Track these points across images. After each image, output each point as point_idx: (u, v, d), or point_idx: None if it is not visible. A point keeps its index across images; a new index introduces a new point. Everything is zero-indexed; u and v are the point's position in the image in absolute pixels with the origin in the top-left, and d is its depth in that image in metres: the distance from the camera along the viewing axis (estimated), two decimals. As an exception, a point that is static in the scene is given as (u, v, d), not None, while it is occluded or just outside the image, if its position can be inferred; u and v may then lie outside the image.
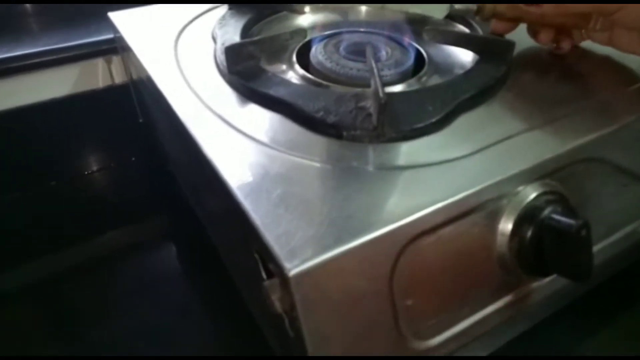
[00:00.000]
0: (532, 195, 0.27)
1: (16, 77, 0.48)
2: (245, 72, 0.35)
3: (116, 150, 0.56)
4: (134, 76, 0.49)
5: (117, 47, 0.50)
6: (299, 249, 0.22)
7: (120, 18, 0.46)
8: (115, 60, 0.51)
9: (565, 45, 0.37)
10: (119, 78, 0.52)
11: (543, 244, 0.27)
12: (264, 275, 0.25)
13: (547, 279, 0.30)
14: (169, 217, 0.52)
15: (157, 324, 0.40)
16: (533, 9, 0.34)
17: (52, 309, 0.43)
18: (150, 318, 0.41)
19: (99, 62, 0.51)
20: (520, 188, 0.27)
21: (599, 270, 0.34)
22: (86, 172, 0.56)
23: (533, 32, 0.37)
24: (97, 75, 0.51)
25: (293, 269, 0.21)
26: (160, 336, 0.39)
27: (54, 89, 0.50)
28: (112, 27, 0.46)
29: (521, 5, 0.35)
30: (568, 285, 0.31)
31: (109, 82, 0.52)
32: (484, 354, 0.31)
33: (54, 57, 0.49)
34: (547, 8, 0.33)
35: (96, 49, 0.50)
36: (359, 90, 0.33)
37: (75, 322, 0.41)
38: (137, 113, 0.54)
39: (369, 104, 0.31)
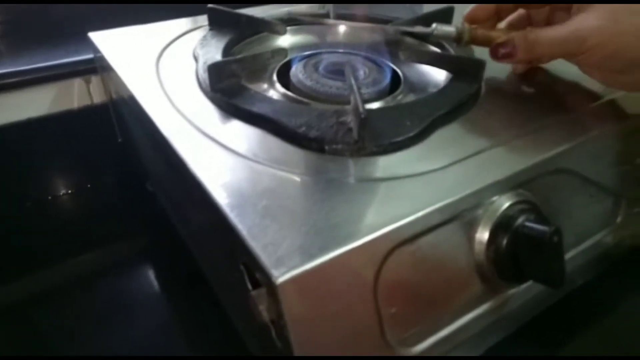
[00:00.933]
0: (506, 205, 0.29)
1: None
2: (227, 89, 0.35)
3: (95, 170, 0.56)
4: (114, 96, 0.49)
5: (96, 67, 0.50)
6: (285, 257, 0.23)
7: (101, 38, 0.46)
8: (94, 80, 0.51)
9: (520, 67, 0.40)
10: (97, 98, 0.52)
11: (518, 251, 0.28)
12: (249, 286, 0.25)
13: (524, 286, 0.31)
14: (148, 236, 0.52)
15: (138, 343, 0.40)
16: (508, 58, 0.36)
17: (27, 331, 0.41)
18: (131, 337, 0.40)
19: (78, 82, 0.51)
20: (494, 198, 0.29)
21: (570, 278, 0.35)
22: (63, 193, 0.55)
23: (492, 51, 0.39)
24: (75, 95, 0.51)
25: (280, 276, 0.22)
26: (143, 353, 0.39)
27: (31, 109, 0.50)
28: (92, 47, 0.47)
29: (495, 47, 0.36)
30: (544, 292, 0.33)
31: (87, 102, 0.52)
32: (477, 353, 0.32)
33: (32, 76, 0.48)
34: (521, 55, 0.35)
35: (75, 69, 0.50)
36: (339, 107, 0.34)
37: (50, 344, 0.40)
38: (115, 133, 0.54)
39: (350, 120, 0.32)
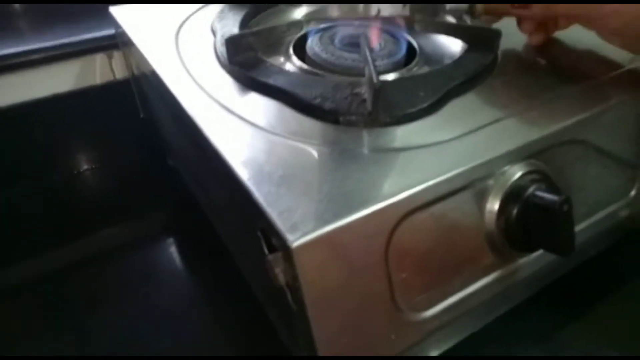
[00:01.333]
0: (518, 175, 0.29)
1: (17, 73, 0.49)
2: (245, 62, 0.36)
3: (118, 146, 0.57)
4: (136, 71, 0.50)
5: (117, 43, 0.51)
6: (300, 223, 0.24)
7: (122, 13, 0.47)
8: (116, 55, 0.53)
9: (536, 38, 0.39)
10: (119, 74, 0.54)
11: (528, 221, 0.29)
12: (266, 251, 0.27)
13: (534, 255, 0.32)
14: (170, 211, 0.53)
15: (162, 313, 0.41)
16: (522, 10, 0.36)
17: (53, 303, 0.43)
18: (155, 308, 0.42)
19: (100, 57, 0.52)
20: (506, 168, 0.29)
21: (581, 249, 0.36)
22: (88, 168, 0.57)
23: (517, 20, 0.39)
24: (98, 70, 0.53)
25: (295, 240, 0.23)
26: (167, 326, 0.40)
27: (56, 85, 0.51)
28: (113, 22, 0.48)
29: (509, 7, 0.37)
30: (553, 262, 0.33)
31: (110, 78, 0.53)
32: (473, 329, 0.33)
33: (56, 52, 0.50)
34: (536, 9, 0.35)
35: (98, 45, 0.51)
36: (353, 79, 0.35)
37: (76, 315, 0.42)
38: (137, 109, 0.55)
39: (364, 91, 0.32)
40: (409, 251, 0.27)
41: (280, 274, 0.25)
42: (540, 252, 0.31)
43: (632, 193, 0.36)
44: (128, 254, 0.48)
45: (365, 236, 0.25)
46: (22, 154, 0.53)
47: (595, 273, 0.40)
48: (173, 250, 0.50)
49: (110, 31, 0.51)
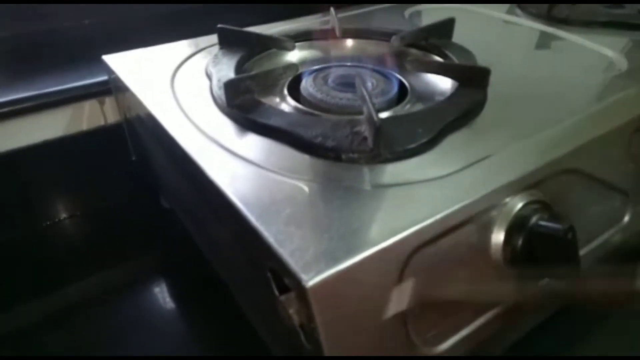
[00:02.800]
0: (519, 205, 0.30)
1: (9, 121, 0.49)
2: (243, 105, 0.37)
3: (109, 189, 0.57)
4: (129, 115, 0.50)
5: (110, 89, 0.51)
6: (313, 262, 0.24)
7: (115, 60, 0.48)
8: (107, 101, 0.53)
9: None
10: (110, 118, 0.54)
11: (534, 250, 0.29)
12: (276, 292, 0.26)
13: (541, 284, 0.32)
14: (164, 253, 0.53)
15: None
16: None
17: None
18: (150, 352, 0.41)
19: (91, 104, 0.52)
20: (507, 199, 0.30)
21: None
22: (78, 213, 0.56)
23: None
24: (89, 116, 0.53)
25: (310, 280, 0.23)
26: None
27: (47, 131, 0.51)
28: (106, 69, 0.48)
29: None
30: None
31: (101, 123, 0.53)
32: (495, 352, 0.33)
33: (48, 100, 0.50)
34: None
35: (89, 91, 0.51)
36: (350, 117, 0.35)
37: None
38: (129, 152, 0.55)
39: (364, 129, 0.33)
40: (420, 285, 0.26)
41: (294, 314, 0.24)
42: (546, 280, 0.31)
43: (626, 219, 0.37)
44: (121, 298, 0.47)
45: (378, 272, 0.25)
46: (12, 200, 0.52)
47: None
48: (168, 291, 0.49)
49: (102, 78, 0.51)
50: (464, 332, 0.29)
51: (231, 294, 0.39)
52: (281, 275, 0.25)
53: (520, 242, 0.29)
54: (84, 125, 0.53)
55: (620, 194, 0.36)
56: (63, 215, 0.56)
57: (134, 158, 0.54)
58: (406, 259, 0.26)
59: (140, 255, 0.52)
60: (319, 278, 0.23)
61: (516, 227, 0.29)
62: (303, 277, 0.23)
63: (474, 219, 0.28)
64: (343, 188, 0.29)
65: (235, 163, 0.32)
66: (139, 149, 0.53)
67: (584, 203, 0.35)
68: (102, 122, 0.53)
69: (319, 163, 0.32)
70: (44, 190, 0.54)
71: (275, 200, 0.28)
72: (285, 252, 0.24)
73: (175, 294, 0.48)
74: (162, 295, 0.48)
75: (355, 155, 0.31)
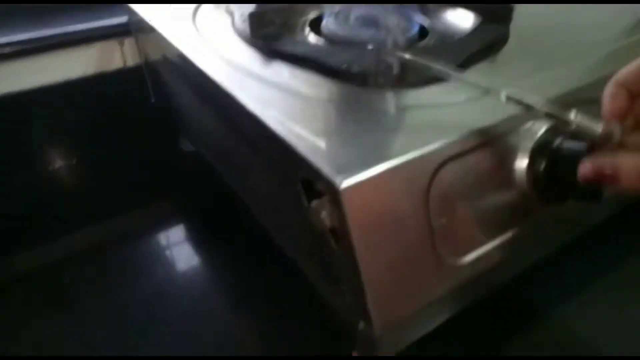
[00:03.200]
0: (543, 129, 0.30)
1: (31, 59, 0.49)
2: (267, 35, 0.37)
3: (127, 133, 0.57)
4: (150, 57, 0.51)
5: (129, 30, 0.52)
6: (345, 166, 0.24)
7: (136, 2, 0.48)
8: (127, 42, 0.53)
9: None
10: (130, 61, 0.54)
11: (558, 172, 0.30)
12: (305, 203, 0.27)
13: (564, 207, 0.33)
14: (185, 196, 0.54)
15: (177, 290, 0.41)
16: None
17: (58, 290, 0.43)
18: (170, 284, 0.42)
19: (112, 44, 0.52)
20: (530, 123, 0.30)
21: (604, 205, 0.37)
22: (96, 154, 0.57)
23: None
24: (109, 57, 0.53)
25: (343, 181, 0.24)
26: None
27: (68, 70, 0.51)
28: (127, 10, 0.48)
29: None
30: (581, 215, 0.34)
31: (120, 65, 0.54)
32: (503, 280, 0.34)
33: (67, 39, 0.50)
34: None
35: (111, 32, 0.51)
36: (376, 47, 0.36)
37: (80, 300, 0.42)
38: (148, 95, 0.55)
39: (389, 57, 0.33)
40: (447, 197, 0.27)
41: (326, 218, 0.25)
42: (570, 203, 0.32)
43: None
44: (140, 239, 0.48)
45: (408, 180, 0.26)
46: (30, 140, 0.53)
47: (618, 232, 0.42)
48: (184, 233, 0.50)
49: (122, 19, 0.51)
50: (487, 247, 0.30)
51: (258, 233, 0.41)
52: (313, 183, 0.26)
53: (544, 164, 0.30)
54: (105, 66, 0.53)
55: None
56: (77, 159, 0.56)
57: (153, 100, 0.55)
58: (434, 171, 0.26)
59: (159, 198, 0.53)
60: (352, 180, 0.24)
61: (540, 149, 0.30)
62: (337, 179, 0.24)
63: (499, 140, 0.29)
64: (371, 109, 0.30)
65: (263, 89, 0.32)
66: (159, 91, 0.53)
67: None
68: (121, 64, 0.54)
69: (346, 87, 0.32)
70: (58, 132, 0.54)
71: (305, 119, 0.29)
72: (317, 158, 0.25)
73: (195, 235, 0.49)
74: (180, 235, 0.50)
75: (382, 80, 0.32)
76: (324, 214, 0.25)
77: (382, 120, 0.28)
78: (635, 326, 0.38)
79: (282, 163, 0.29)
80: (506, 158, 0.30)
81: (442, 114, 0.29)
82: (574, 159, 0.29)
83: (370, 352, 0.31)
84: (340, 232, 0.25)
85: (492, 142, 0.29)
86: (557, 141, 0.30)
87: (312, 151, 0.26)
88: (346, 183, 0.24)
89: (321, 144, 0.26)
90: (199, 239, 0.49)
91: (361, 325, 0.28)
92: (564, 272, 0.41)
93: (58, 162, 0.55)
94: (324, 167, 0.25)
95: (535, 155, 0.30)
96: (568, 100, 0.32)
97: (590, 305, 0.39)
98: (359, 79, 0.32)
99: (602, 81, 0.33)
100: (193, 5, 0.47)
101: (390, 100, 0.31)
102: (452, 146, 0.27)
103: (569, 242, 0.36)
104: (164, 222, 0.50)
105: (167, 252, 0.48)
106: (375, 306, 0.27)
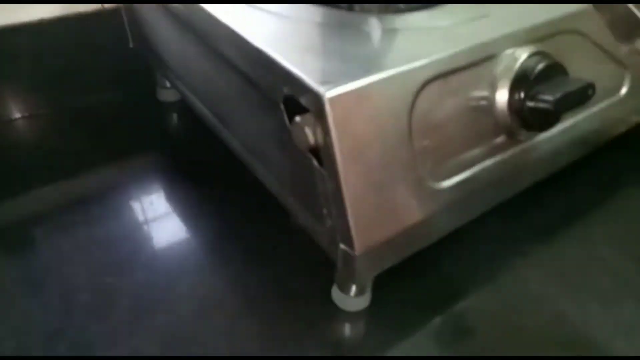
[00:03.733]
0: (524, 56, 0.30)
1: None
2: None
3: (103, 81, 0.56)
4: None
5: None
6: (331, 78, 0.24)
7: None
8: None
9: None
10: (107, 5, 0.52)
11: (538, 101, 0.30)
12: (287, 121, 0.27)
13: (543, 137, 0.33)
14: (162, 144, 0.52)
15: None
16: None
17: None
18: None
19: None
20: (512, 49, 0.30)
21: (581, 141, 0.38)
22: (76, 102, 0.55)
23: None
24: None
25: (327, 91, 0.23)
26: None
27: (43, 9, 0.49)
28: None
29: None
30: (558, 147, 0.35)
31: (98, 6, 0.52)
32: (483, 209, 0.34)
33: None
34: None
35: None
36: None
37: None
38: (126, 39, 0.54)
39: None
40: (429, 118, 0.27)
41: (309, 134, 0.25)
42: (549, 134, 0.33)
43: (622, 91, 0.38)
44: (119, 193, 0.47)
45: (392, 96, 0.26)
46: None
47: (592, 173, 0.44)
48: (170, 184, 0.48)
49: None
50: (468, 173, 0.30)
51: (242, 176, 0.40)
52: (297, 100, 0.25)
53: (524, 93, 0.30)
54: (80, 7, 0.51)
55: (619, 66, 0.37)
56: (49, 108, 0.54)
57: (131, 45, 0.53)
58: (418, 88, 0.26)
59: (138, 151, 0.51)
60: (337, 90, 0.24)
61: (521, 77, 0.30)
62: (321, 89, 0.24)
63: (481, 63, 0.29)
64: (357, 30, 0.30)
65: (249, 12, 0.32)
66: (138, 35, 0.52)
67: (585, 67, 0.35)
68: (99, 6, 0.52)
69: (332, 11, 0.32)
70: (32, 77, 0.52)
71: (290, 39, 0.29)
72: (302, 71, 0.25)
73: (172, 182, 0.48)
74: (164, 188, 0.48)
75: (367, 5, 0.32)
76: (307, 131, 0.25)
77: (369, 40, 0.28)
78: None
79: (265, 83, 0.28)
80: (488, 83, 0.30)
81: (428, 36, 0.29)
82: (554, 89, 0.29)
83: (350, 276, 0.31)
84: (323, 149, 0.25)
85: (476, 65, 0.29)
86: (539, 68, 0.30)
87: (297, 65, 0.25)
88: (331, 93, 0.23)
89: (306, 58, 0.26)
90: (176, 185, 0.48)
91: (342, 247, 0.29)
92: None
93: (26, 111, 0.53)
94: (309, 79, 0.24)
95: (516, 83, 0.30)
96: (548, 29, 0.32)
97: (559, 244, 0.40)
98: (346, 4, 0.32)
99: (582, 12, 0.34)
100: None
101: (377, 23, 0.31)
102: (437, 64, 0.27)
103: (549, 175, 0.36)
104: (142, 175, 0.49)
105: (144, 204, 0.46)
106: (357, 226, 0.27)
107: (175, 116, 0.56)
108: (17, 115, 0.53)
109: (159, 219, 0.43)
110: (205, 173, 0.48)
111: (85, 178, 0.47)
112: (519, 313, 0.35)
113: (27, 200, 0.45)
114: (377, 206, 0.27)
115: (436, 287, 0.36)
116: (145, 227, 0.43)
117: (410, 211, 0.28)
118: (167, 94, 0.55)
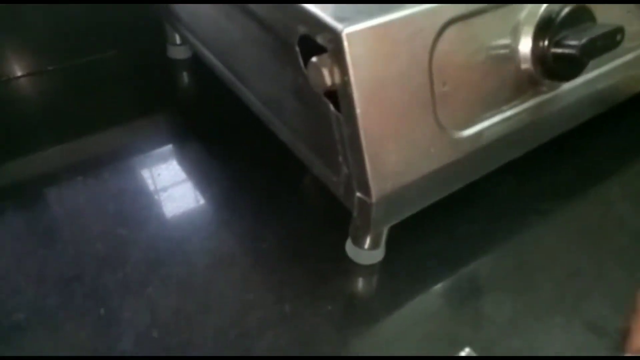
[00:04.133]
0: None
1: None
2: None
3: (111, 38, 0.55)
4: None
5: None
6: (349, 17, 0.23)
7: None
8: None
9: None
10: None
11: (563, 48, 0.29)
12: (302, 64, 0.26)
13: (565, 88, 0.32)
14: (176, 101, 0.52)
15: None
16: None
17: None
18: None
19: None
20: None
21: (610, 94, 0.37)
22: (88, 58, 0.54)
23: None
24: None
25: (345, 28, 0.23)
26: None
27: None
28: None
29: None
30: (580, 100, 0.34)
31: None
32: (499, 163, 0.34)
33: None
34: None
35: None
36: None
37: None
38: None
39: None
40: (450, 62, 0.26)
41: (326, 74, 0.24)
42: (572, 85, 0.31)
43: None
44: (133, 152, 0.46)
45: (412, 37, 0.25)
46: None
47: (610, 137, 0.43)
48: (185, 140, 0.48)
49: None
50: (487, 122, 0.29)
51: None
52: (314, 37, 0.25)
53: (547, 41, 0.29)
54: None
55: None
56: (55, 65, 0.53)
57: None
58: (439, 30, 0.25)
59: (148, 109, 0.51)
60: (355, 27, 0.23)
61: (545, 24, 0.29)
62: (338, 25, 0.23)
63: (506, 5, 0.28)
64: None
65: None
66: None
67: (612, 17, 0.34)
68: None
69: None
70: (37, 33, 0.51)
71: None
72: (319, 8, 0.24)
73: (185, 137, 0.48)
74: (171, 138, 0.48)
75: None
76: (324, 71, 0.24)
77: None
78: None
79: (281, 25, 0.27)
80: (512, 28, 0.29)
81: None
82: (581, 34, 0.28)
83: (366, 225, 0.31)
84: (341, 89, 0.24)
85: (499, 8, 0.28)
86: (565, 12, 0.29)
87: (314, 5, 0.25)
88: (349, 30, 0.23)
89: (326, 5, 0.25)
90: (187, 143, 0.47)
91: (358, 195, 0.28)
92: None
93: (31, 68, 0.52)
94: (325, 15, 0.23)
95: (540, 29, 0.29)
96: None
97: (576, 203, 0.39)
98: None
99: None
100: None
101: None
102: (458, 6, 0.26)
103: (568, 130, 0.36)
104: (153, 133, 0.48)
105: (156, 161, 0.46)
106: (373, 172, 0.26)
107: (185, 74, 0.55)
108: (20, 73, 0.52)
109: (171, 176, 0.43)
110: (216, 131, 0.47)
111: (96, 136, 0.47)
112: (534, 270, 0.34)
113: (38, 158, 0.45)
114: (394, 152, 0.26)
115: (451, 245, 0.36)
116: (157, 184, 0.42)
117: (428, 159, 0.28)
118: (177, 51, 0.54)
